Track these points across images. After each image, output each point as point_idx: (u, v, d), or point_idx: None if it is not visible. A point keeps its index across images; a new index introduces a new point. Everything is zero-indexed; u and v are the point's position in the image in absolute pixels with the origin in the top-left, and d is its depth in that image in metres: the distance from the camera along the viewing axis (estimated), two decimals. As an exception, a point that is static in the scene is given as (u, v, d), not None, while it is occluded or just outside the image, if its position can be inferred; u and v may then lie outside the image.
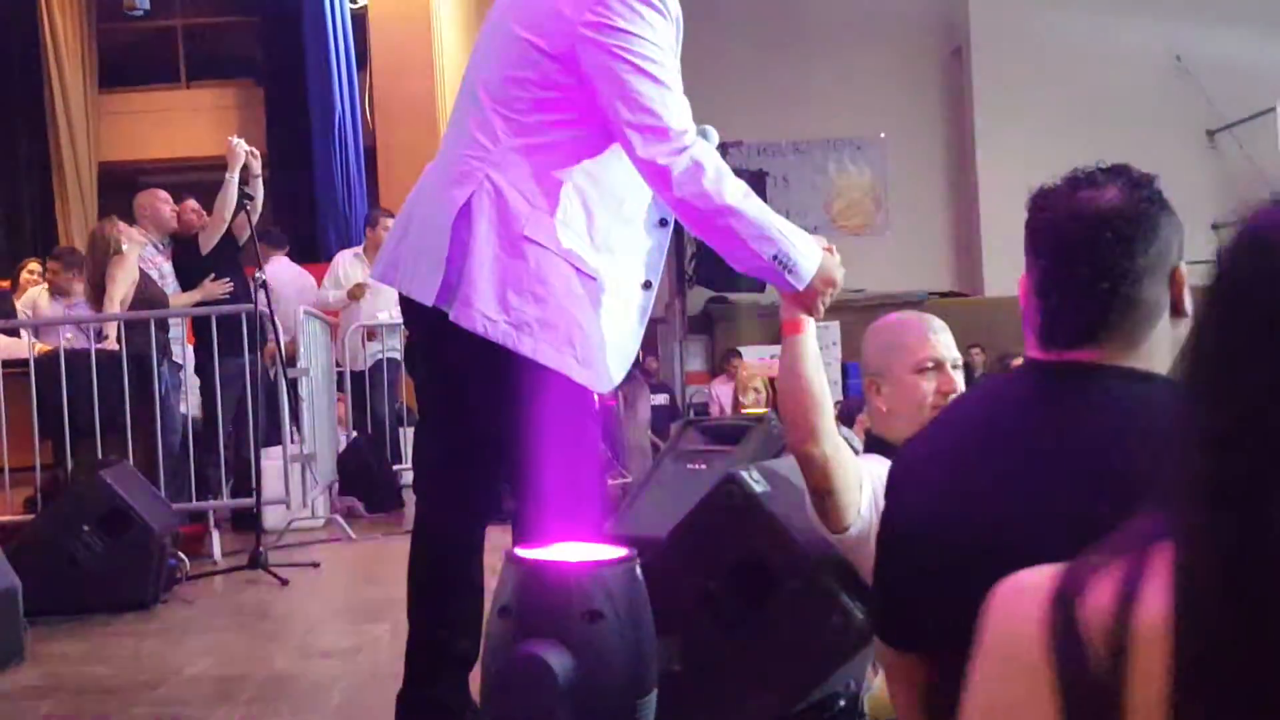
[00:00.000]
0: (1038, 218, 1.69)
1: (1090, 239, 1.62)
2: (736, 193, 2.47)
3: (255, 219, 6.75)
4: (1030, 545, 1.49)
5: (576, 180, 2.53)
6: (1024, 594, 1.02)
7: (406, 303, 2.65)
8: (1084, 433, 1.57)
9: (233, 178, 6.84)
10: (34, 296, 7.72)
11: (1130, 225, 1.62)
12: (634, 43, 2.46)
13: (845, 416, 6.60)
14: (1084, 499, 1.48)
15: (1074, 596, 0.98)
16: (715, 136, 2.72)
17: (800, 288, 2.51)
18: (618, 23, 2.46)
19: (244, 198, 6.69)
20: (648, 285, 2.68)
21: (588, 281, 2.52)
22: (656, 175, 2.46)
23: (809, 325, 2.55)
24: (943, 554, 1.62)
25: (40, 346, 6.73)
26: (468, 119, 2.60)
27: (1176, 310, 1.65)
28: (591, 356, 2.52)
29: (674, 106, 2.47)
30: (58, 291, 7.47)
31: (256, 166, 6.97)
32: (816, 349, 2.55)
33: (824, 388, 2.52)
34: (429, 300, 2.51)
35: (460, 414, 2.66)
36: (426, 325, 2.58)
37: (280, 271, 8.05)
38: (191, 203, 7.47)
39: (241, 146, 6.87)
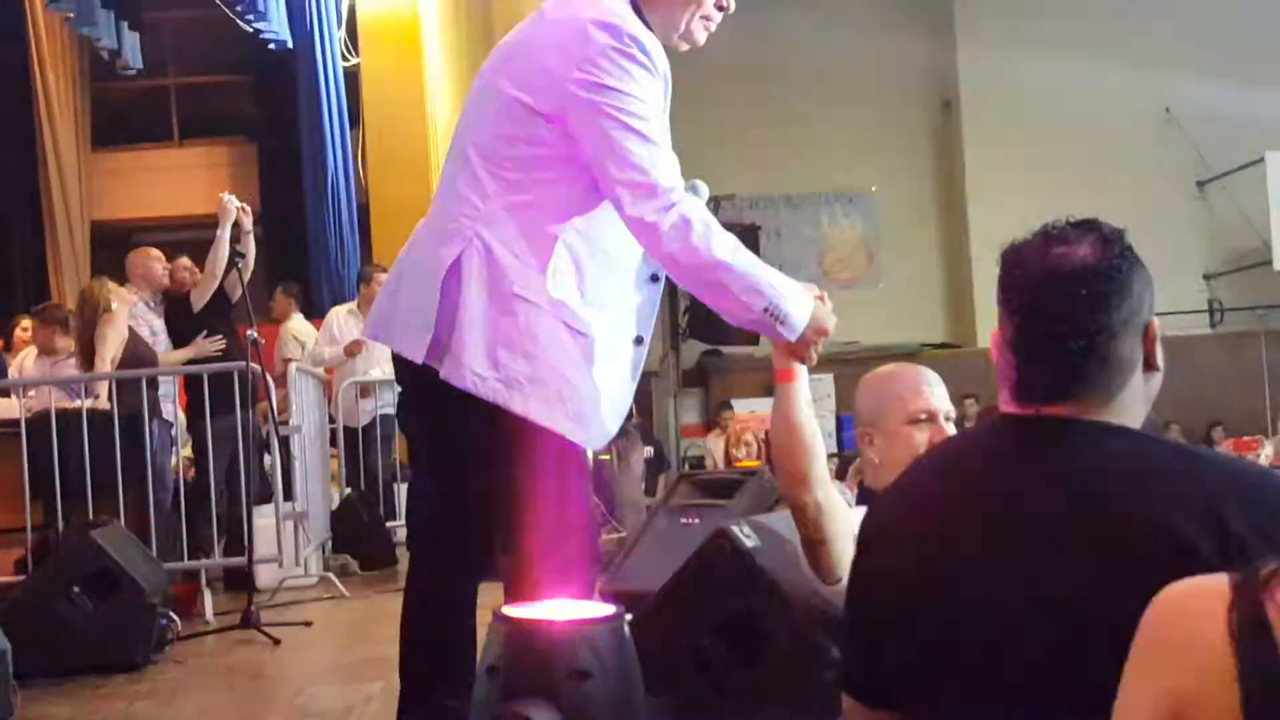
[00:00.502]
0: (1011, 275, 1.70)
1: (1065, 297, 1.63)
2: (725, 247, 2.47)
3: (247, 276, 6.76)
4: (1003, 600, 1.52)
5: (567, 236, 2.53)
6: (1203, 597, 1.17)
7: (398, 359, 2.65)
8: (1057, 489, 1.57)
9: (224, 234, 6.86)
10: (21, 356, 7.72)
11: (1104, 283, 1.63)
12: (622, 100, 2.47)
13: (842, 471, 6.59)
14: (1056, 555, 1.51)
15: (1260, 597, 1.13)
16: (705, 191, 2.73)
17: (793, 339, 2.52)
18: (606, 80, 2.47)
19: (235, 255, 6.70)
20: (639, 340, 2.68)
21: (579, 337, 2.52)
22: (645, 231, 2.47)
23: (801, 373, 2.56)
24: (914, 609, 1.62)
25: (31, 406, 6.71)
26: (458, 177, 2.60)
27: (1149, 364, 1.67)
28: (583, 412, 2.51)
29: (662, 163, 2.48)
30: (42, 350, 7.46)
31: (247, 223, 6.99)
32: (809, 397, 2.56)
33: (816, 435, 2.53)
34: (419, 358, 2.51)
35: (452, 471, 2.65)
36: (418, 382, 2.57)
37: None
38: (184, 260, 7.49)
39: (232, 202, 6.89)
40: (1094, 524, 1.50)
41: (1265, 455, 9.43)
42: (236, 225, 6.88)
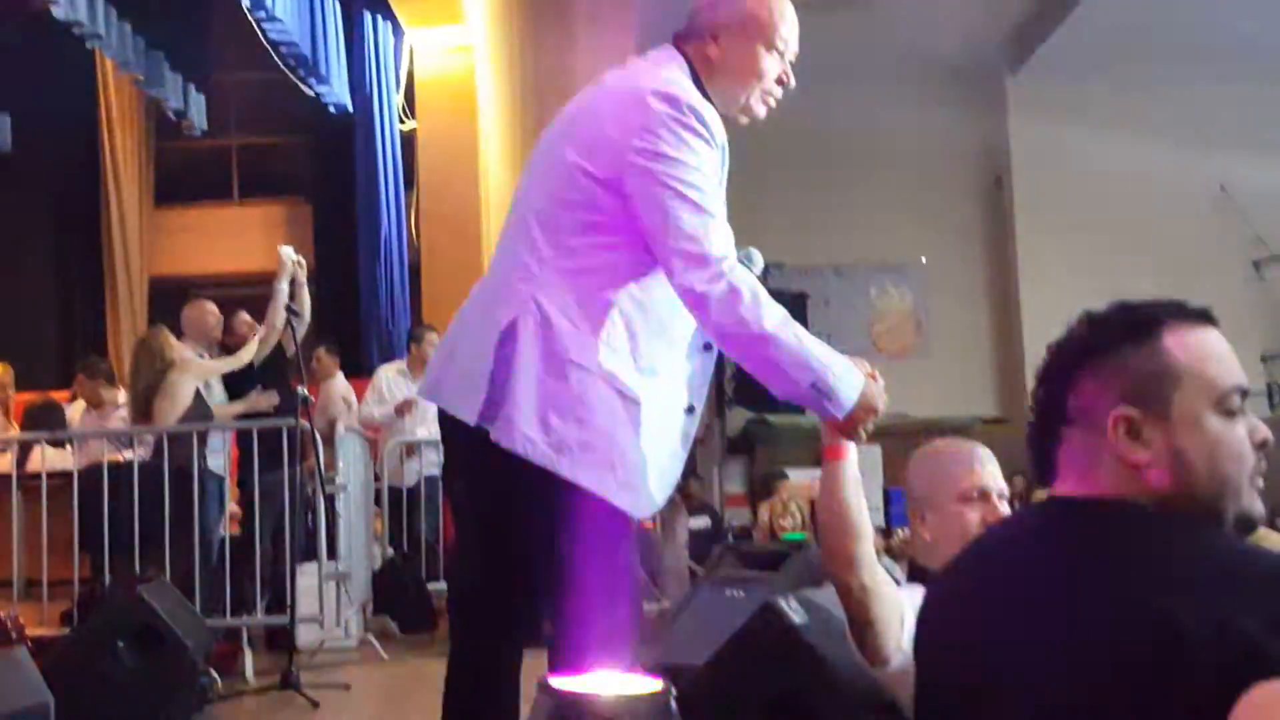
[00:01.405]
0: (1045, 357, 1.73)
1: (1037, 383, 1.66)
2: (774, 319, 2.47)
3: (302, 331, 6.79)
4: (1050, 681, 1.48)
5: (621, 303, 2.53)
6: None
7: (446, 420, 2.65)
8: (1074, 573, 1.54)
9: (282, 287, 6.90)
10: (70, 410, 7.81)
11: (1060, 366, 1.66)
12: (679, 169, 2.48)
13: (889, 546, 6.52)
14: (1068, 637, 1.46)
15: None
16: (759, 260, 2.73)
17: (840, 416, 2.49)
18: (664, 149, 2.49)
19: (290, 313, 6.75)
20: (691, 409, 2.67)
21: (630, 404, 2.52)
22: (694, 301, 2.47)
23: (850, 451, 2.52)
24: (963, 692, 1.59)
25: (79, 460, 6.77)
26: (516, 241, 2.61)
27: (1125, 460, 1.60)
28: (632, 480, 2.50)
29: (715, 234, 2.48)
30: (90, 403, 7.54)
31: (302, 276, 7.04)
32: (857, 475, 2.52)
33: (864, 515, 2.48)
34: (472, 420, 2.51)
35: (498, 534, 2.64)
36: (468, 444, 2.57)
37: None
38: (244, 315, 7.55)
39: (289, 256, 6.95)
40: (1099, 608, 1.47)
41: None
42: (293, 280, 6.93)
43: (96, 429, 7.26)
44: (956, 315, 14.85)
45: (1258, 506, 1.59)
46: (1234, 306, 13.97)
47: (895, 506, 12.80)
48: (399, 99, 10.41)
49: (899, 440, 13.57)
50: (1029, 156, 14.39)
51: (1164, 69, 13.70)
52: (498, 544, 2.64)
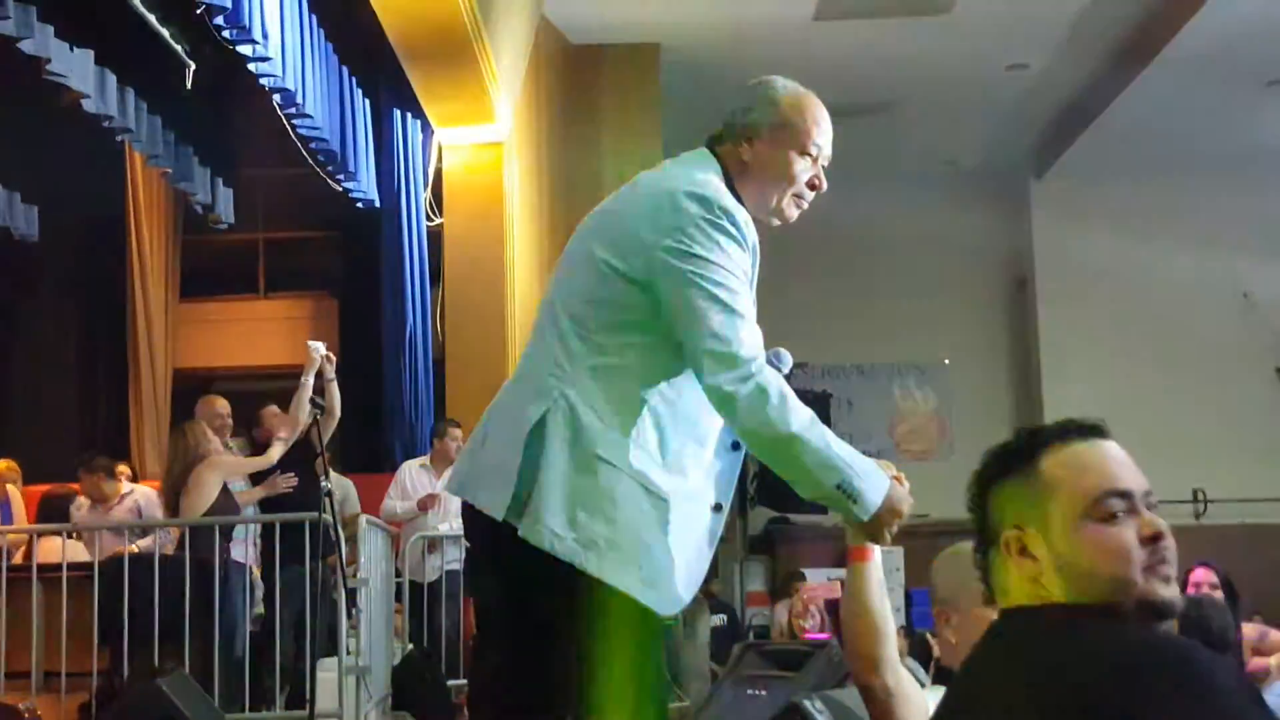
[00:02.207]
0: None
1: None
2: (802, 420, 2.49)
3: (332, 425, 6.80)
4: None
5: (651, 401, 2.55)
6: None
7: (471, 515, 2.65)
8: (1006, 670, 1.73)
9: (308, 380, 6.94)
10: (74, 506, 7.82)
11: (972, 500, 1.89)
12: (711, 269, 2.51)
13: (912, 648, 6.46)
14: None
15: None
16: (789, 360, 2.75)
17: (865, 518, 2.51)
18: (697, 249, 2.52)
19: (315, 407, 6.78)
20: (718, 508, 2.67)
21: (657, 502, 2.52)
22: (722, 401, 2.50)
23: (875, 553, 2.53)
24: None
25: (111, 550, 6.78)
26: (546, 337, 2.64)
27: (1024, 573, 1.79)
28: (658, 578, 2.50)
29: (745, 335, 2.51)
30: (93, 499, 7.54)
31: (330, 370, 7.07)
32: (881, 577, 2.53)
33: (888, 618, 2.49)
34: (499, 515, 2.52)
35: (521, 630, 2.63)
36: (493, 538, 2.57)
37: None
38: (272, 408, 7.58)
39: (318, 350, 6.99)
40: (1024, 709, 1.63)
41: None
42: (320, 374, 6.97)
43: (101, 521, 7.28)
44: (980, 416, 14.78)
45: (1162, 593, 1.70)
46: (1257, 411, 13.91)
47: (917, 608, 12.66)
48: (426, 195, 10.52)
49: (921, 541, 13.46)
50: (1053, 259, 14.44)
51: (1187, 175, 13.79)
52: (522, 640, 2.63)
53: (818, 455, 2.48)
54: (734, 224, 2.56)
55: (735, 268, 2.54)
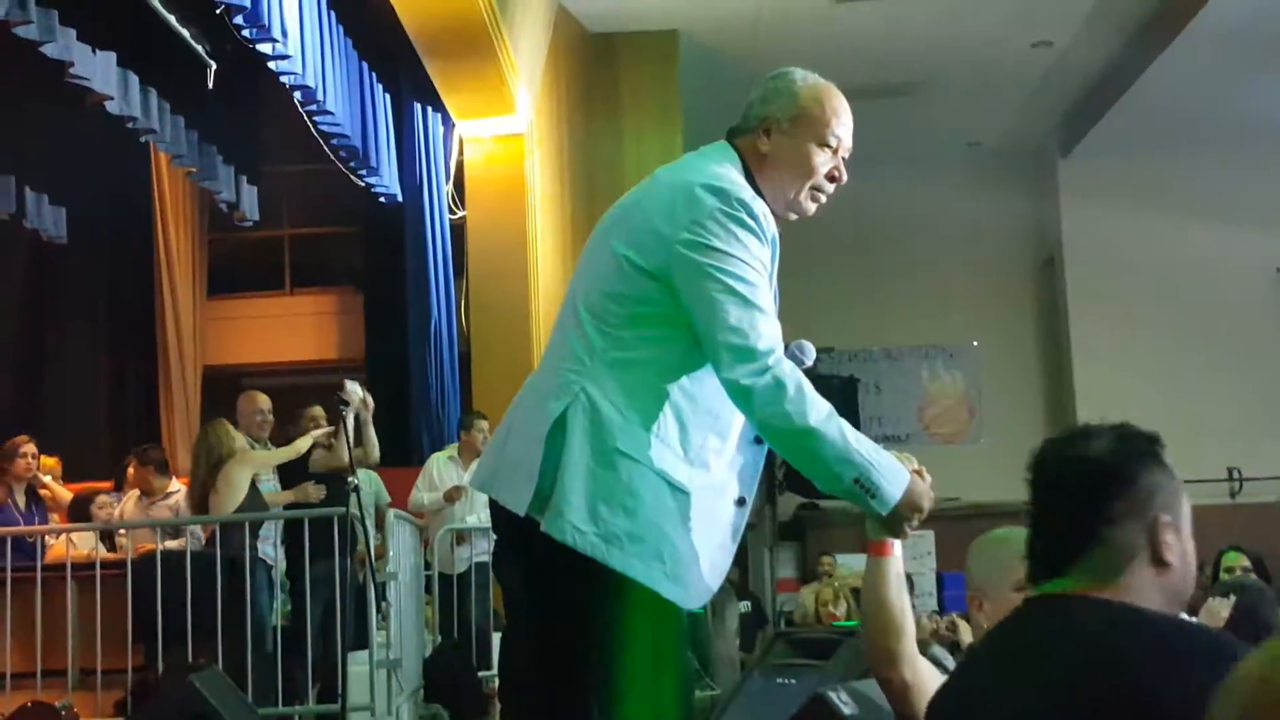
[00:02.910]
0: (1033, 466, 2.00)
1: (1067, 485, 1.92)
2: (819, 414, 2.48)
3: (375, 454, 6.86)
4: None
5: (672, 394, 2.55)
6: None
7: (498, 511, 2.66)
8: (1042, 659, 1.82)
9: (348, 421, 6.96)
10: (125, 499, 7.88)
11: (1106, 473, 1.89)
12: (729, 262, 2.50)
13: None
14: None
15: None
16: (812, 352, 2.74)
17: (883, 513, 2.50)
18: (714, 242, 2.51)
19: (342, 404, 6.79)
20: (741, 501, 2.67)
21: (679, 495, 2.52)
22: (739, 393, 2.49)
23: (896, 548, 2.54)
24: None
25: (141, 546, 6.82)
26: (567, 333, 2.65)
27: (1155, 558, 1.88)
28: (681, 571, 2.51)
29: (763, 328, 2.50)
30: (143, 491, 7.61)
31: (367, 414, 7.15)
32: (901, 571, 2.55)
33: (906, 612, 2.50)
34: (521, 510, 2.53)
35: (549, 624, 2.64)
36: (519, 534, 2.58)
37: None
38: (314, 411, 7.60)
39: (355, 394, 7.03)
40: (1073, 685, 1.74)
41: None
42: (357, 418, 7.01)
43: (144, 519, 7.32)
44: (1009, 398, 14.73)
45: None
46: (1291, 388, 13.79)
47: (949, 591, 12.64)
48: (449, 189, 10.54)
49: (952, 524, 13.47)
50: (1081, 238, 14.33)
51: (1217, 151, 13.67)
52: (549, 633, 2.64)
53: (835, 449, 2.47)
54: (752, 216, 2.55)
55: (754, 260, 2.53)
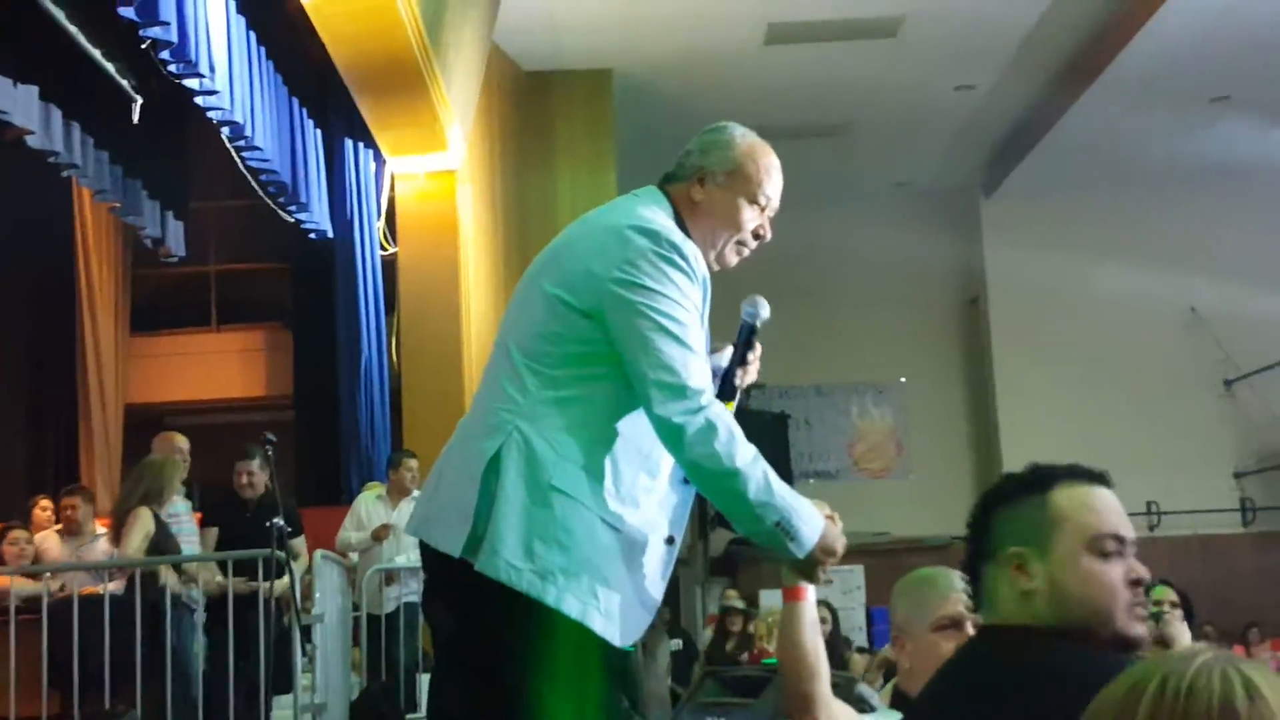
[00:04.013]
0: None
1: (966, 529, 2.05)
2: (746, 456, 2.51)
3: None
4: None
5: (605, 432, 2.57)
6: None
7: (428, 551, 2.64)
8: (948, 686, 1.99)
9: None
10: (42, 537, 7.72)
11: (979, 514, 2.03)
12: (660, 301, 2.53)
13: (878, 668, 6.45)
14: None
15: None
16: (766, 307, 2.77)
17: (800, 556, 2.53)
18: (646, 281, 2.54)
19: (268, 443, 6.72)
20: (670, 540, 2.68)
21: (612, 532, 2.54)
22: (669, 432, 2.51)
23: (810, 593, 2.59)
24: None
25: (52, 588, 6.68)
26: (499, 372, 2.66)
27: (1018, 588, 1.96)
28: (614, 608, 2.52)
29: (694, 367, 2.53)
30: (71, 531, 7.46)
31: None
32: (815, 616, 2.61)
33: (820, 656, 2.56)
34: (455, 551, 2.53)
35: (480, 664, 2.62)
36: (452, 576, 2.57)
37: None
38: (250, 465, 7.47)
39: None
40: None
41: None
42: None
43: (73, 561, 7.18)
44: (936, 434, 14.90)
45: (1135, 630, 1.94)
46: (1207, 425, 14.07)
47: (878, 626, 12.70)
48: (380, 225, 10.48)
49: (880, 559, 13.56)
50: (1004, 277, 14.56)
51: (1134, 192, 13.98)
52: (484, 675, 2.62)
53: (760, 492, 2.50)
54: (683, 257, 2.58)
55: (685, 300, 2.56)
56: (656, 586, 2.65)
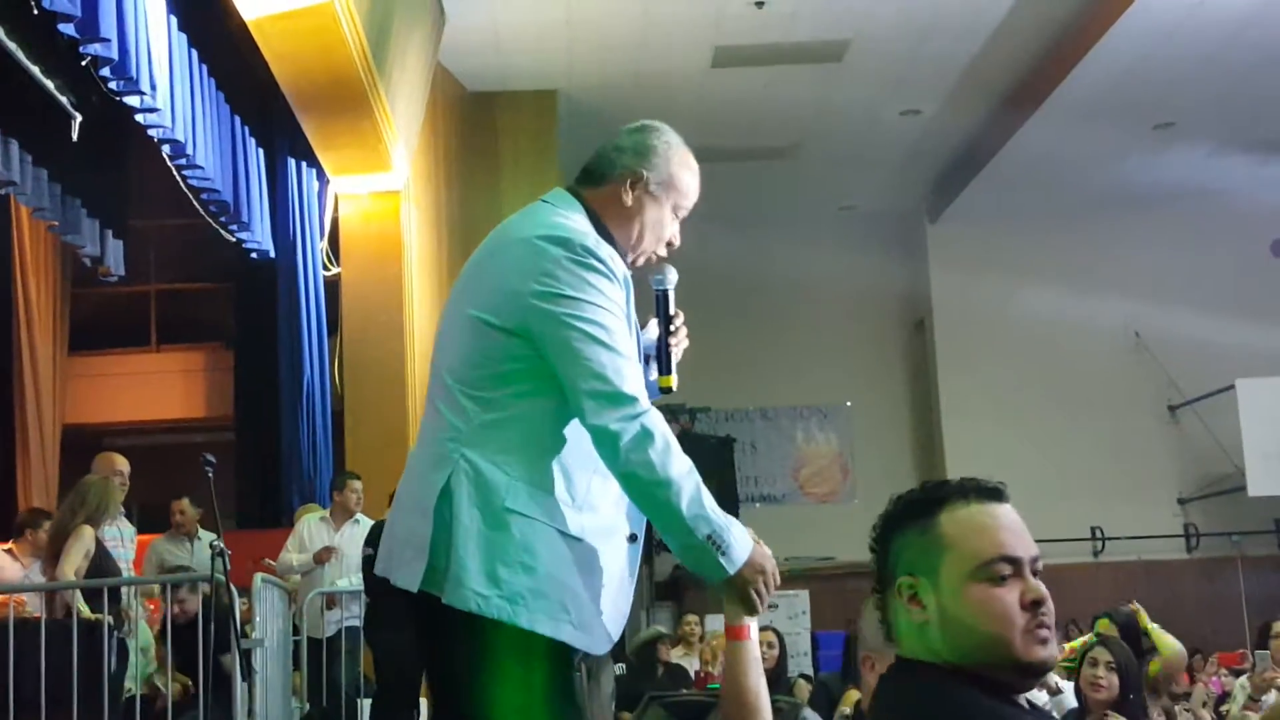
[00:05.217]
0: None
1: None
2: (682, 467, 2.49)
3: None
4: None
5: (551, 444, 2.55)
6: None
7: (393, 590, 2.62)
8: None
9: None
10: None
11: (875, 543, 1.95)
12: (583, 308, 2.52)
13: (820, 696, 6.43)
14: None
15: None
16: (673, 272, 2.81)
17: (731, 571, 2.51)
18: (566, 290, 2.52)
19: (207, 464, 6.61)
20: (633, 538, 2.68)
21: (574, 544, 2.53)
22: (605, 441, 2.49)
23: (753, 630, 2.58)
24: None
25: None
26: (438, 402, 2.64)
27: (912, 618, 1.89)
28: (587, 619, 2.52)
29: (626, 372, 2.51)
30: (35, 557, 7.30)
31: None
32: (758, 654, 2.60)
33: (762, 695, 2.60)
34: (413, 587, 2.51)
35: (453, 694, 2.61)
36: (417, 611, 2.56)
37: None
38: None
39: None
40: None
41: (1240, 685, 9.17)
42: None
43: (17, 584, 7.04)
44: (882, 457, 14.94)
45: (1038, 654, 1.82)
46: (1150, 449, 14.20)
47: (824, 651, 12.66)
48: (323, 245, 10.41)
49: (826, 583, 13.55)
50: (949, 300, 14.65)
51: (1078, 217, 14.14)
52: (453, 703, 2.61)
53: (693, 504, 2.47)
54: (599, 259, 2.57)
55: (608, 303, 2.55)
56: (626, 588, 2.65)
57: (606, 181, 2.75)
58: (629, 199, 2.73)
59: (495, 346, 2.55)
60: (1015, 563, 1.85)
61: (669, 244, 2.82)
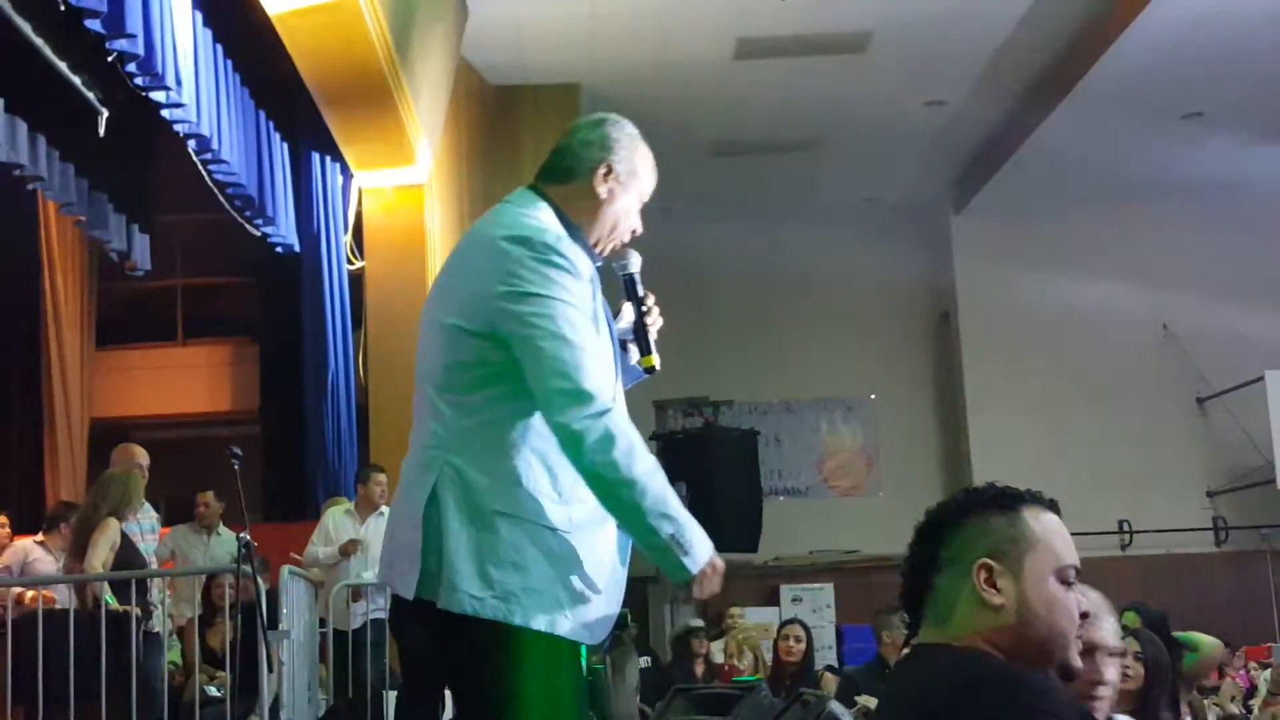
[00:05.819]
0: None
1: (914, 540, 2.08)
2: (646, 467, 2.52)
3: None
4: None
5: (531, 442, 2.58)
6: None
7: (399, 601, 2.69)
8: (893, 704, 2.07)
9: None
10: (25, 548, 7.62)
11: (934, 524, 2.05)
12: (548, 305, 2.54)
13: (843, 690, 6.43)
14: None
15: None
16: (636, 258, 2.85)
17: (694, 571, 2.55)
18: (529, 289, 2.55)
19: (233, 456, 6.64)
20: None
21: (563, 538, 2.55)
22: (569, 439, 2.52)
23: None
24: None
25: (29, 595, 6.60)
26: (421, 411, 2.70)
27: (981, 602, 1.98)
28: (582, 612, 2.55)
29: (590, 369, 2.54)
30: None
31: None
32: None
33: None
34: (409, 595, 2.55)
35: (456, 695, 2.66)
36: (419, 617, 2.59)
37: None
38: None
39: None
40: None
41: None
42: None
43: (41, 576, 7.09)
44: (906, 451, 14.88)
45: (1078, 660, 2.02)
46: (1179, 442, 14.08)
47: (849, 644, 12.65)
48: (347, 239, 10.43)
49: (851, 577, 13.53)
50: (974, 293, 14.56)
51: (1105, 208, 14.01)
52: (467, 708, 2.64)
53: (657, 503, 2.51)
54: (561, 255, 2.60)
55: (571, 299, 2.57)
56: (618, 577, 2.66)
57: (575, 176, 2.80)
58: (603, 190, 2.77)
59: (470, 351, 2.60)
60: (1078, 573, 2.05)
61: (633, 231, 2.85)
